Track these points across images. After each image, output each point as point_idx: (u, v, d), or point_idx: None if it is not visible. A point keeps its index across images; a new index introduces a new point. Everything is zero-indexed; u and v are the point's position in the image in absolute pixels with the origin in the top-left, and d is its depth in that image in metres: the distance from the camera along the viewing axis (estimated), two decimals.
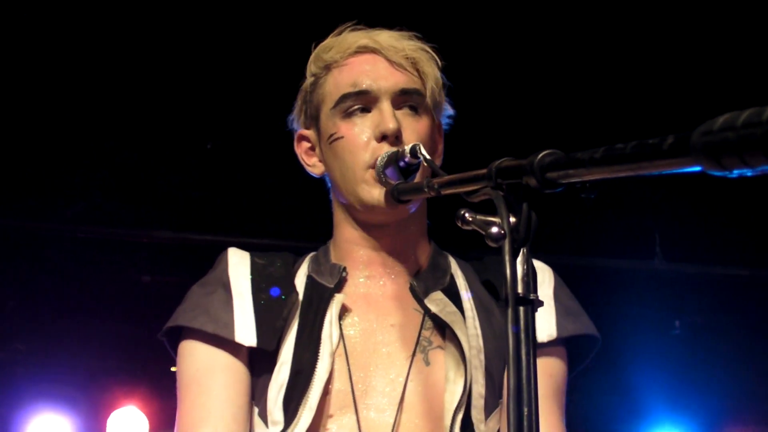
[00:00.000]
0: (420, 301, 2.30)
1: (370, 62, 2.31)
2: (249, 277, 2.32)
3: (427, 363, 2.23)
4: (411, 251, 2.38)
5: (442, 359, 2.22)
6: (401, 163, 2.16)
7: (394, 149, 2.19)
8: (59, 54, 5.13)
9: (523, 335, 1.35)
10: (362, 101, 2.27)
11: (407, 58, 2.32)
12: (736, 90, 5.01)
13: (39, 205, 6.14)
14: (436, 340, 2.26)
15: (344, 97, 2.28)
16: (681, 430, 7.12)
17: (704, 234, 6.35)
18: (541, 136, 5.29)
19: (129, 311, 6.63)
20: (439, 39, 2.43)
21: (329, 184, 2.45)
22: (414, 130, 2.25)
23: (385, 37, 2.34)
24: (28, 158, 5.85)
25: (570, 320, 2.31)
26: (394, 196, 2.17)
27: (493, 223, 1.39)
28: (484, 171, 1.54)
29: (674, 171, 1.10)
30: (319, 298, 2.28)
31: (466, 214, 1.43)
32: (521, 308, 1.37)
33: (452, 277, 2.39)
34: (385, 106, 2.24)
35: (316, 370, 2.15)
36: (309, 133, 2.44)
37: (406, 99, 2.28)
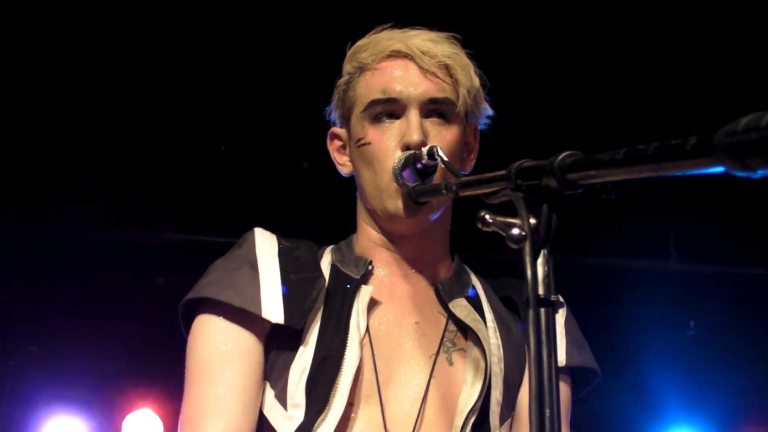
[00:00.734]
0: (444, 305, 2.30)
1: (402, 68, 2.30)
2: (276, 257, 2.30)
3: (451, 363, 2.24)
4: (432, 259, 2.39)
5: (463, 362, 2.23)
6: (418, 165, 2.16)
7: (411, 151, 2.18)
8: (73, 57, 5.14)
9: (544, 336, 1.34)
10: (391, 108, 2.26)
11: (440, 64, 2.30)
12: (752, 92, 4.99)
13: (53, 208, 6.15)
14: (460, 342, 2.27)
15: (373, 103, 2.27)
16: (696, 430, 7.09)
17: (719, 234, 6.33)
18: (553, 138, 5.28)
19: (143, 313, 6.65)
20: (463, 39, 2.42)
21: (356, 186, 2.45)
22: (441, 140, 2.24)
23: (419, 41, 2.32)
24: (41, 162, 5.86)
25: (577, 351, 2.35)
26: (412, 198, 2.16)
27: (514, 225, 1.38)
28: (503, 172, 1.54)
29: (697, 172, 1.09)
30: (344, 287, 2.27)
31: (487, 216, 1.42)
32: (542, 309, 1.36)
33: (474, 289, 2.41)
34: (413, 115, 2.24)
35: (345, 357, 2.14)
36: (341, 131, 2.44)
37: (435, 107, 2.27)
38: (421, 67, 2.29)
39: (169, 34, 5.01)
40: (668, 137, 1.17)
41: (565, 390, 2.34)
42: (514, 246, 1.37)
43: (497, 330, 2.29)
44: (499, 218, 1.42)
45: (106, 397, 7.02)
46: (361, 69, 2.36)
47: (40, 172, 5.93)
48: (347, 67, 2.41)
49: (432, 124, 2.26)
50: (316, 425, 2.09)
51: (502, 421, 2.20)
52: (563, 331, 2.34)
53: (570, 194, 1.39)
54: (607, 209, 5.60)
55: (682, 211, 6.13)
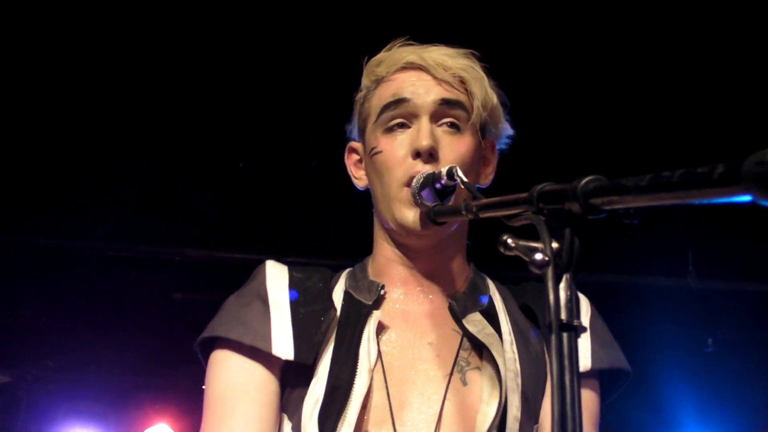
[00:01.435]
0: (458, 321, 2.28)
1: (415, 77, 2.30)
2: (287, 290, 2.30)
3: (465, 383, 2.21)
4: (449, 272, 2.36)
5: (479, 380, 2.19)
6: (437, 185, 2.14)
7: (430, 170, 2.17)
8: (93, 73, 5.16)
9: (567, 361, 1.33)
10: (401, 113, 2.26)
11: (455, 76, 2.30)
12: None
13: (71, 223, 6.17)
14: (474, 360, 2.24)
15: (384, 108, 2.28)
16: None
17: (737, 251, 6.31)
18: (571, 161, 5.27)
19: (160, 328, 6.66)
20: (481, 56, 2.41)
21: (372, 200, 2.43)
22: (453, 149, 2.23)
23: (435, 55, 2.32)
24: (60, 176, 5.89)
25: (605, 353, 2.30)
26: (431, 218, 2.14)
27: (537, 249, 1.37)
28: (525, 195, 1.52)
29: (723, 200, 1.09)
30: (357, 314, 2.26)
31: (509, 240, 1.41)
32: (564, 334, 1.35)
33: (491, 300, 2.37)
34: (424, 121, 2.23)
35: (354, 386, 2.13)
36: (358, 145, 2.44)
37: (447, 111, 2.26)
38: (434, 77, 2.29)
39: (190, 51, 5.03)
40: (691, 161, 1.17)
41: (591, 397, 2.29)
42: (536, 271, 1.36)
43: (514, 342, 2.26)
44: (521, 242, 1.40)
45: (122, 412, 7.05)
46: (377, 82, 2.36)
47: (59, 187, 5.95)
48: (364, 81, 2.42)
49: (444, 133, 2.25)
50: None
51: None
52: (588, 334, 2.28)
53: (592, 219, 1.38)
54: (627, 227, 5.58)
55: (701, 228, 6.12)
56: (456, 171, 2.09)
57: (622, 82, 5.13)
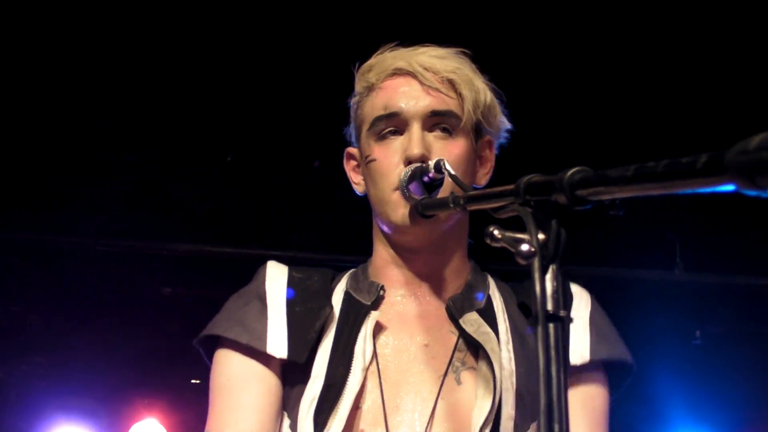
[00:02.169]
0: (455, 322, 2.29)
1: (404, 85, 2.31)
2: (284, 289, 2.35)
3: (459, 382, 2.22)
4: (447, 273, 2.38)
5: (474, 379, 2.21)
6: (425, 178, 2.15)
7: (418, 164, 2.18)
8: (81, 67, 5.14)
9: (553, 352, 1.34)
10: (393, 124, 2.28)
11: (443, 80, 2.31)
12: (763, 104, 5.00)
13: (59, 219, 6.17)
14: (469, 361, 2.25)
15: (377, 120, 2.30)
16: None
17: (725, 244, 6.33)
18: (559, 153, 5.28)
19: (149, 324, 6.66)
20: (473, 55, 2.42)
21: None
22: (446, 154, 2.24)
23: (423, 58, 2.33)
24: (48, 172, 5.87)
25: (604, 345, 2.30)
26: (418, 211, 2.16)
27: (523, 241, 1.38)
28: (511, 187, 1.53)
29: (707, 190, 1.09)
30: (355, 314, 2.29)
31: (495, 231, 1.42)
32: (551, 325, 1.36)
33: (489, 299, 2.38)
34: (415, 129, 2.25)
35: (347, 383, 2.16)
36: (355, 151, 2.47)
37: (438, 121, 2.28)
38: (422, 83, 2.30)
39: (177, 44, 5.02)
40: (676, 151, 1.18)
41: (597, 389, 2.30)
42: (523, 262, 1.36)
43: (510, 341, 2.27)
44: (507, 233, 1.41)
45: (111, 407, 7.05)
46: (369, 89, 2.38)
47: (47, 182, 5.94)
48: (357, 87, 2.44)
49: (436, 138, 2.27)
50: None
51: None
52: (588, 327, 2.29)
53: (578, 210, 1.38)
54: (614, 219, 5.59)
55: (688, 221, 6.13)
56: (444, 164, 2.11)
57: (609, 73, 5.14)
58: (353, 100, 2.45)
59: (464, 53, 2.39)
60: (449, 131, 2.29)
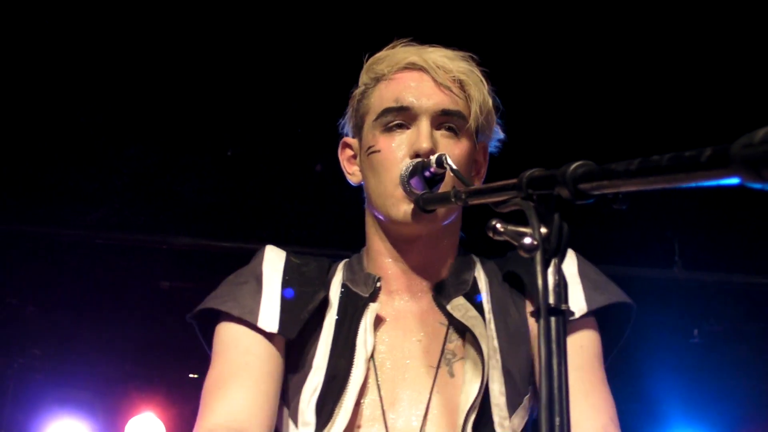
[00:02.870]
0: (443, 310, 2.30)
1: (416, 80, 2.33)
2: (281, 272, 2.35)
3: (452, 375, 2.24)
4: (440, 265, 2.39)
5: (464, 367, 2.22)
6: (426, 173, 2.16)
7: (419, 159, 2.19)
8: (81, 61, 5.14)
9: (554, 345, 1.34)
10: (402, 117, 2.28)
11: (454, 79, 2.32)
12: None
13: (58, 211, 6.16)
14: (460, 351, 2.27)
15: (386, 111, 2.30)
16: None
17: (723, 243, 6.34)
18: (561, 147, 5.28)
19: (147, 317, 6.66)
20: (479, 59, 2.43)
21: (364, 197, 2.46)
22: (450, 153, 2.24)
23: (435, 56, 2.35)
24: (47, 164, 5.87)
25: (599, 293, 2.30)
26: (420, 206, 2.16)
27: (525, 234, 1.38)
28: (514, 181, 1.52)
29: (712, 183, 1.09)
30: (354, 307, 2.31)
31: (498, 225, 1.41)
32: (552, 319, 1.35)
33: (475, 281, 2.39)
34: (424, 125, 2.25)
35: (351, 375, 2.18)
36: (353, 141, 2.47)
37: (446, 120, 2.29)
38: (435, 80, 2.31)
39: (177, 38, 5.02)
40: (678, 146, 1.17)
41: (588, 335, 2.29)
42: (525, 255, 1.36)
43: (492, 320, 2.29)
44: (510, 227, 1.41)
45: (109, 401, 7.04)
46: (377, 79, 2.39)
47: (46, 175, 5.94)
48: (363, 78, 2.44)
49: (442, 137, 2.28)
50: None
51: (512, 410, 2.17)
52: (578, 280, 2.31)
53: (581, 204, 1.38)
54: (613, 217, 5.60)
55: (688, 219, 6.14)
56: (445, 159, 2.11)
57: (611, 69, 5.14)
58: (357, 91, 2.46)
59: (471, 57, 2.41)
60: (455, 131, 2.30)
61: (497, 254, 2.42)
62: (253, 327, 2.24)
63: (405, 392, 2.22)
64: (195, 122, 5.60)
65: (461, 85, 2.33)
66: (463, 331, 2.26)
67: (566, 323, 1.37)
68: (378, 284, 2.35)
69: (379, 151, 2.29)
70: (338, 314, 2.31)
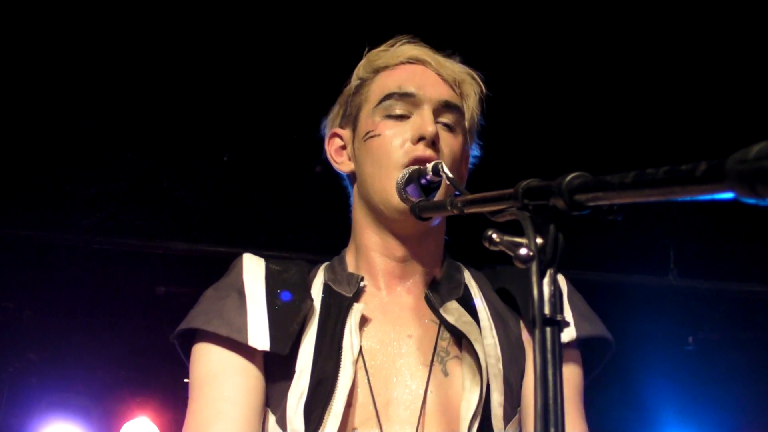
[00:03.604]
0: (436, 311, 2.30)
1: (420, 71, 2.36)
2: (263, 282, 2.30)
3: (446, 374, 2.22)
4: (427, 263, 2.39)
5: (460, 369, 2.21)
6: (423, 181, 2.17)
7: (432, 155, 2.21)
8: (79, 66, 5.14)
9: (549, 355, 1.34)
10: (405, 104, 2.30)
11: (454, 79, 2.36)
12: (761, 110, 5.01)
13: (55, 216, 6.16)
14: (453, 350, 2.26)
15: (388, 96, 2.31)
16: None
17: (719, 250, 6.35)
18: (556, 158, 5.29)
19: (143, 322, 6.65)
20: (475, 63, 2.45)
21: (350, 188, 2.47)
22: (448, 144, 2.28)
23: (435, 55, 2.40)
24: (44, 168, 5.87)
25: (586, 322, 2.31)
26: (416, 213, 2.16)
27: (521, 245, 1.38)
28: (510, 191, 1.53)
29: (706, 197, 1.10)
30: (338, 307, 2.28)
31: (494, 235, 1.42)
32: (548, 329, 1.36)
33: (466, 288, 2.39)
34: (427, 111, 2.27)
35: (339, 378, 2.14)
36: (343, 132, 2.46)
37: (446, 112, 2.31)
38: (437, 73, 2.35)
39: (174, 43, 5.02)
40: (675, 159, 1.18)
41: (573, 368, 2.31)
42: (521, 266, 1.37)
43: (493, 327, 2.28)
44: (506, 237, 1.41)
45: (104, 405, 7.03)
46: (377, 71, 2.41)
47: (43, 179, 5.94)
48: (360, 72, 2.45)
49: (440, 128, 2.29)
50: None
51: (507, 421, 2.18)
52: (568, 307, 2.31)
53: (577, 215, 1.39)
54: (609, 225, 5.60)
55: (683, 227, 6.15)
56: (441, 167, 2.12)
57: (609, 80, 5.15)
58: (351, 85, 2.47)
59: (464, 63, 2.45)
60: (452, 127, 2.32)
61: (473, 259, 2.43)
62: (240, 345, 2.18)
63: (398, 391, 2.19)
64: (192, 127, 5.60)
65: (459, 85, 2.37)
66: (456, 333, 2.25)
67: (561, 333, 1.38)
68: (361, 284, 2.33)
69: (379, 135, 2.29)
70: (321, 315, 2.27)
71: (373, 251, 2.37)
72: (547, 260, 1.39)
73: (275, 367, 2.21)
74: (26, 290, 6.59)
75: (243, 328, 2.18)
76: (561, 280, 2.38)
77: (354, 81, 2.46)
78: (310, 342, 2.22)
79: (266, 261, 2.38)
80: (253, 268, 2.34)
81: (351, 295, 2.29)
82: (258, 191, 6.05)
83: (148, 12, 4.86)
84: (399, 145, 2.25)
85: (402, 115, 2.29)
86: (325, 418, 2.10)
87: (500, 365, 2.22)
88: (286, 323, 2.21)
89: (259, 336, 2.17)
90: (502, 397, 2.19)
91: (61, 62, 5.13)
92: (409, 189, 2.19)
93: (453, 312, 2.27)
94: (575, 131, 5.44)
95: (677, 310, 6.67)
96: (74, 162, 5.79)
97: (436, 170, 2.12)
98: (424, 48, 2.41)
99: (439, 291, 2.34)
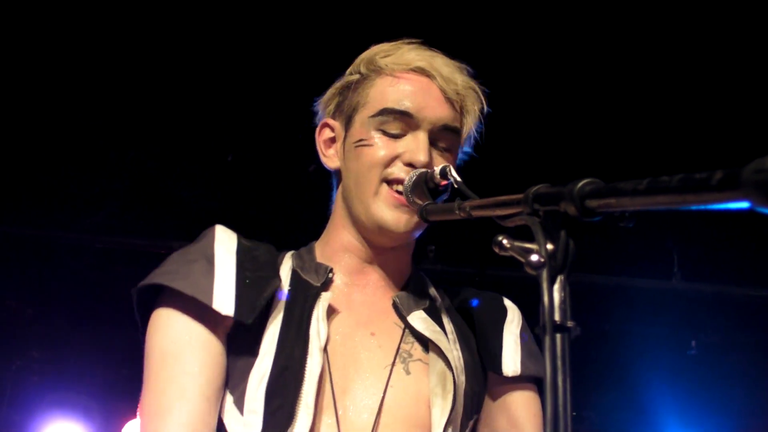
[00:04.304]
0: (402, 317, 2.29)
1: (424, 87, 2.30)
2: (234, 254, 2.23)
3: (408, 372, 2.22)
4: (395, 269, 2.39)
5: (424, 373, 2.22)
6: (430, 184, 2.15)
7: (423, 170, 2.18)
8: (82, 65, 5.15)
9: (559, 362, 1.34)
10: (401, 123, 2.26)
11: (459, 95, 2.31)
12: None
13: (59, 215, 6.16)
14: (417, 353, 2.26)
15: (386, 111, 2.27)
16: None
17: (722, 254, 6.34)
18: (560, 165, 5.29)
19: None
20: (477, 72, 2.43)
21: (334, 183, 2.46)
22: (439, 165, 2.21)
23: (441, 64, 2.32)
24: (47, 167, 5.87)
25: (533, 362, 2.33)
26: (423, 217, 2.12)
27: (532, 251, 1.38)
28: (520, 196, 1.52)
29: (721, 206, 1.10)
30: (304, 294, 2.24)
31: (504, 241, 1.41)
32: (558, 335, 1.35)
33: (432, 300, 2.40)
34: (422, 136, 2.24)
35: (307, 366, 2.10)
36: (335, 124, 2.42)
37: (442, 135, 2.28)
38: (441, 91, 2.29)
39: (177, 43, 5.02)
40: (686, 167, 1.18)
41: (536, 399, 2.34)
42: (531, 272, 1.36)
43: (457, 341, 2.31)
44: (516, 243, 1.40)
45: (106, 404, 7.03)
46: (379, 72, 2.35)
47: (47, 178, 5.94)
48: (362, 66, 2.39)
49: (434, 149, 2.27)
50: None
51: (462, 429, 2.21)
52: (519, 342, 2.33)
53: (587, 221, 1.38)
54: (613, 228, 5.60)
55: (686, 231, 6.14)
56: (449, 171, 2.10)
57: (619, 86, 5.15)
58: (351, 77, 2.41)
59: (468, 71, 2.39)
60: (446, 149, 2.30)
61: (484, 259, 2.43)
62: (204, 307, 2.10)
63: (357, 382, 2.18)
64: (195, 127, 5.60)
65: (461, 100, 2.33)
66: (421, 340, 2.26)
67: (570, 340, 1.37)
68: (330, 275, 2.30)
69: (371, 146, 2.26)
70: (287, 301, 2.22)
71: (345, 251, 2.36)
72: (557, 266, 1.38)
73: (238, 346, 2.15)
74: (29, 289, 6.59)
75: (209, 290, 2.10)
76: (518, 314, 2.45)
77: (353, 73, 2.41)
78: (276, 325, 2.17)
79: (238, 236, 2.31)
80: (225, 240, 2.26)
81: (319, 284, 2.26)
82: (261, 191, 6.05)
83: (152, 12, 4.86)
84: (386, 162, 2.23)
85: (399, 128, 2.26)
86: (297, 408, 2.06)
87: (463, 377, 2.24)
88: (253, 296, 2.15)
89: (224, 301, 2.10)
90: (461, 408, 2.21)
91: (67, 62, 5.14)
92: (416, 192, 2.16)
93: (421, 321, 2.28)
94: (583, 138, 5.43)
95: (680, 313, 6.67)
96: (78, 161, 5.79)
97: (444, 174, 2.11)
98: (432, 56, 2.35)
99: (407, 299, 2.34)
